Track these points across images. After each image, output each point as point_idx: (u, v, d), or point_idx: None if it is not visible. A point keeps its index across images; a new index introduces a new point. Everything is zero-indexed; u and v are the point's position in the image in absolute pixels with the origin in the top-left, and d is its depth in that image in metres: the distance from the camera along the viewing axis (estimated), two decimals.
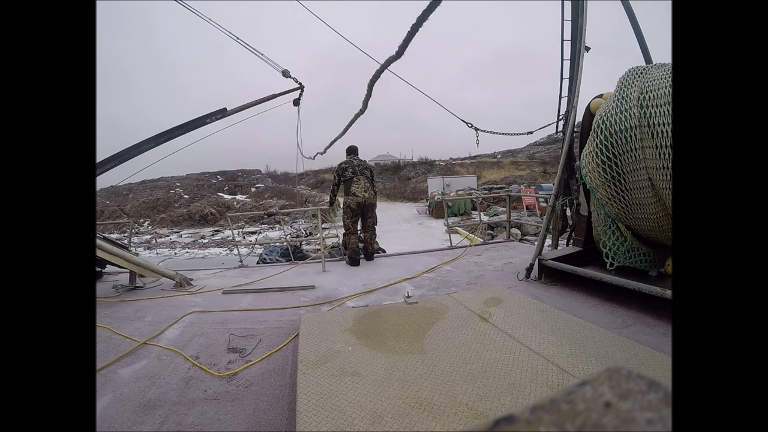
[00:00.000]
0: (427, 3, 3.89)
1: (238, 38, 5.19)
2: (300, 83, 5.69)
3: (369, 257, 5.54)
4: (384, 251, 6.88)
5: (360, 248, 5.54)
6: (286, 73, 5.53)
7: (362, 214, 5.44)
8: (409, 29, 4.28)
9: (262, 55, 5.33)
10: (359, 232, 5.59)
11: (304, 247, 8.74)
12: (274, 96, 5.51)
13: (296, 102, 5.87)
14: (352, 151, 5.62)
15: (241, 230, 21.61)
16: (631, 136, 2.84)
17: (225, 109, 4.96)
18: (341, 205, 5.56)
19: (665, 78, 2.74)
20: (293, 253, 6.92)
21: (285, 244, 8.00)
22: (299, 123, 6.11)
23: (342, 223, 5.39)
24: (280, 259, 7.76)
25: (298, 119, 6.08)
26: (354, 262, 5.33)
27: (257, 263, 8.22)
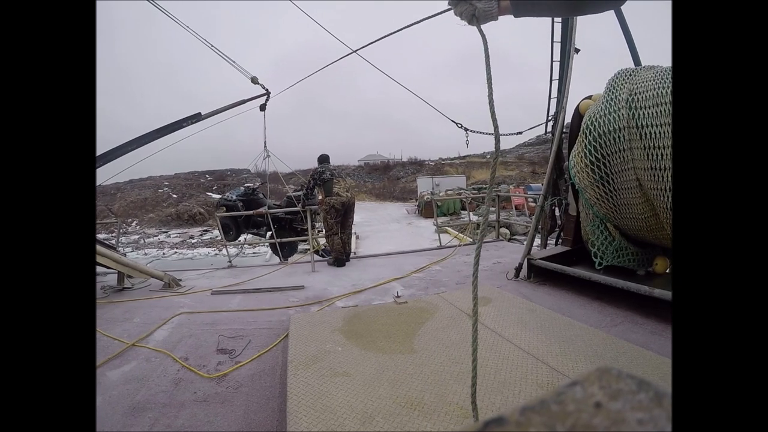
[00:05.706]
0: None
1: (212, 45, 5.32)
2: (267, 89, 5.94)
3: (346, 258, 5.52)
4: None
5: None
6: (254, 80, 5.73)
7: (344, 214, 5.48)
8: None
9: (234, 62, 5.50)
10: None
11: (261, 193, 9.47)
12: (243, 101, 5.77)
13: (262, 107, 6.06)
14: (324, 159, 5.66)
15: None
16: (619, 137, 2.87)
17: (200, 113, 5.15)
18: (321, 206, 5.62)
19: (654, 80, 2.77)
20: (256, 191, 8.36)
21: (243, 188, 8.81)
22: (265, 127, 6.36)
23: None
24: (239, 201, 8.22)
25: (264, 124, 6.31)
26: (340, 263, 5.36)
27: (216, 206, 8.78)
